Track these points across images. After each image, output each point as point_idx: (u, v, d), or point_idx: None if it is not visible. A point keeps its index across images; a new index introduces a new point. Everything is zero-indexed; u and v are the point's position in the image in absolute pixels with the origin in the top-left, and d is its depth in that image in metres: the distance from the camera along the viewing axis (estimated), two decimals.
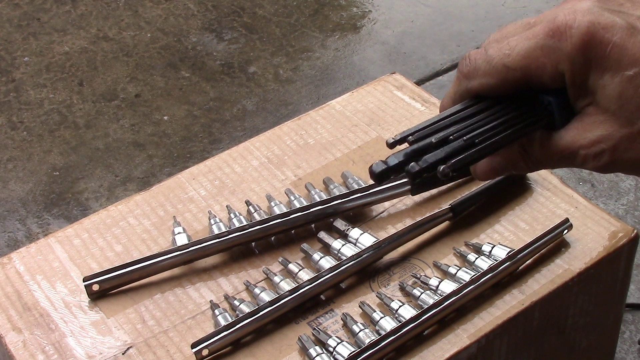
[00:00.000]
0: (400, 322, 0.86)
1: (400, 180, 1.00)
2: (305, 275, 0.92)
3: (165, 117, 2.12)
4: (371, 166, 0.46)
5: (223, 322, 0.87)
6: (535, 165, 0.55)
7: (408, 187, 1.01)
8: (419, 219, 0.97)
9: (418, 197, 1.03)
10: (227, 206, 1.02)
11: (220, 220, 0.99)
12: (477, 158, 0.49)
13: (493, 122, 0.51)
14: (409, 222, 0.98)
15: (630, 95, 0.49)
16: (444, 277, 0.92)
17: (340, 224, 0.98)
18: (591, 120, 0.51)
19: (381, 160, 0.46)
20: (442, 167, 0.45)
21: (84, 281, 0.92)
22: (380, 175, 0.46)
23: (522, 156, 0.54)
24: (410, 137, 0.47)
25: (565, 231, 0.96)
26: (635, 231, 0.97)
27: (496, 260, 0.92)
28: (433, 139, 0.47)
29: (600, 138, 0.50)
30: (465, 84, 0.53)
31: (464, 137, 0.48)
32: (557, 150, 0.52)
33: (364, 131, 1.13)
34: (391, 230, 0.98)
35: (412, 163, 0.45)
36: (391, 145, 0.48)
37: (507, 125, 0.51)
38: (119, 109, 2.15)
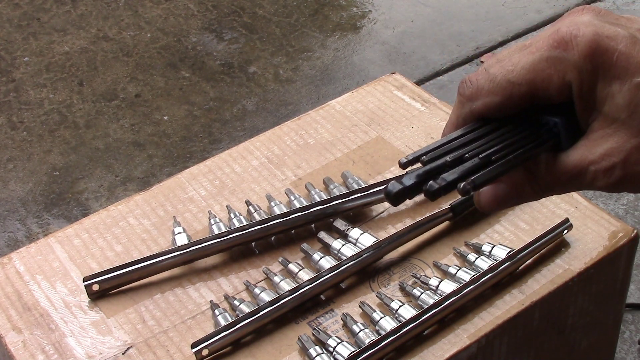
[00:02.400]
0: (400, 322, 0.86)
1: None
2: (305, 275, 0.92)
3: (165, 117, 2.12)
4: (386, 187, 0.45)
5: (223, 322, 0.87)
6: (542, 189, 0.52)
7: None
8: (419, 219, 0.97)
9: (418, 197, 1.03)
10: (227, 206, 1.02)
11: (220, 220, 0.99)
12: (497, 175, 0.48)
13: (503, 142, 0.50)
14: (409, 222, 0.98)
15: (636, 107, 0.48)
16: (444, 277, 0.92)
17: (340, 224, 0.98)
18: (599, 134, 0.49)
19: (396, 181, 0.45)
20: (462, 184, 0.45)
21: (84, 281, 0.92)
22: (397, 196, 0.45)
23: (529, 181, 0.52)
24: (423, 157, 0.46)
25: (565, 231, 0.96)
26: (635, 231, 0.97)
27: (496, 260, 0.92)
28: (448, 157, 0.47)
29: (610, 151, 0.49)
30: (469, 106, 0.52)
31: (480, 155, 0.47)
32: (566, 170, 0.50)
33: (364, 131, 1.13)
34: (391, 230, 0.98)
35: (431, 182, 0.45)
36: (404, 165, 0.47)
37: (518, 145, 0.50)
38: (119, 109, 2.15)
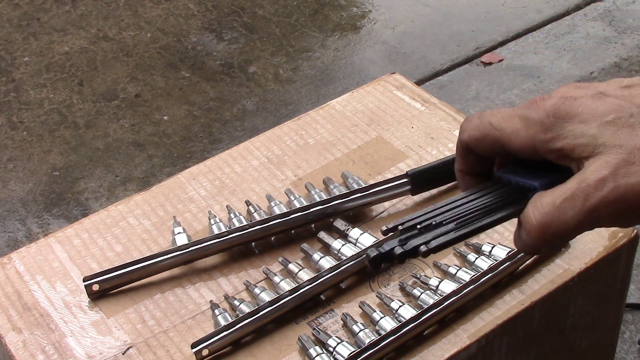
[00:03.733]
0: (400, 322, 0.86)
1: (400, 180, 1.00)
2: (305, 275, 0.92)
3: (165, 117, 2.12)
4: (366, 252, 0.53)
5: (223, 322, 0.87)
6: (534, 231, 0.53)
7: (408, 187, 1.01)
8: None
9: (418, 197, 1.03)
10: (227, 206, 1.02)
11: (220, 220, 0.99)
12: (455, 240, 0.54)
13: (478, 208, 0.56)
14: None
15: (612, 133, 0.51)
16: (444, 277, 0.92)
17: (340, 224, 0.98)
18: (587, 163, 0.52)
19: (375, 247, 0.53)
20: (422, 248, 0.52)
21: (84, 281, 0.92)
22: (374, 260, 0.52)
23: (519, 229, 0.55)
24: (400, 226, 0.54)
25: None
26: (635, 231, 0.97)
27: (496, 260, 0.92)
28: (418, 225, 0.54)
29: (598, 167, 0.50)
30: (459, 136, 0.59)
31: (443, 222, 0.54)
32: (556, 195, 0.52)
33: (364, 131, 1.13)
34: None
35: (397, 247, 0.52)
36: (384, 233, 0.54)
37: (491, 210, 0.56)
38: (119, 109, 2.15)
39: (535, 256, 0.94)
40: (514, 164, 0.58)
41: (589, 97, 0.53)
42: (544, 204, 0.52)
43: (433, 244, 0.52)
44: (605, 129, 0.51)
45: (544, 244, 0.53)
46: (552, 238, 0.52)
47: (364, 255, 0.52)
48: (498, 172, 0.59)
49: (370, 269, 0.54)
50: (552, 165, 0.55)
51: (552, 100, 0.54)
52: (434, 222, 0.54)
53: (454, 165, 0.61)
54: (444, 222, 0.54)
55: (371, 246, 0.54)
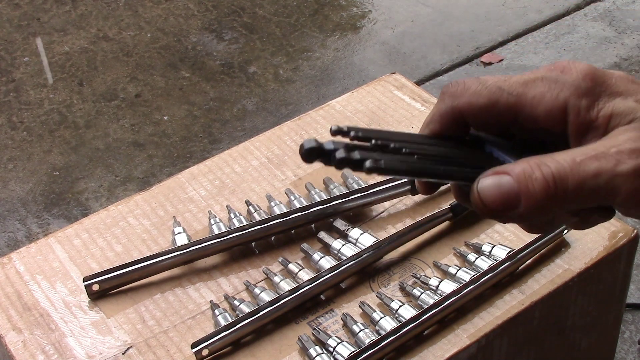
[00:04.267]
0: (400, 322, 0.86)
1: (400, 180, 1.00)
2: (305, 275, 0.92)
3: (165, 117, 2.12)
4: (303, 141, 0.45)
5: (223, 322, 0.87)
6: (556, 179, 0.45)
7: (408, 187, 1.01)
8: (419, 219, 0.97)
9: (418, 197, 1.03)
10: (227, 206, 1.02)
11: (220, 220, 0.99)
12: (410, 170, 0.46)
13: (445, 154, 0.49)
14: (409, 222, 0.98)
15: None
16: (444, 277, 0.92)
17: (340, 224, 0.98)
18: (617, 131, 0.46)
19: (315, 139, 0.45)
20: (368, 162, 0.44)
21: (84, 281, 0.92)
22: (309, 152, 0.44)
23: (539, 166, 0.45)
24: (352, 132, 0.46)
25: (565, 231, 0.96)
26: (635, 231, 0.97)
27: (496, 260, 0.92)
28: (373, 140, 0.45)
29: (633, 137, 0.45)
30: (451, 102, 0.50)
31: (404, 149, 0.46)
32: (586, 151, 0.45)
33: None
34: (391, 230, 0.98)
35: (341, 149, 0.44)
36: (333, 133, 0.46)
37: (457, 162, 0.48)
38: (119, 109, 2.15)
39: (535, 256, 0.94)
40: (494, 137, 0.51)
41: (620, 73, 0.48)
42: (559, 158, 0.45)
43: (382, 163, 0.44)
44: None
45: (544, 204, 0.45)
46: (558, 197, 0.44)
47: (301, 144, 0.44)
48: (477, 133, 0.51)
49: (303, 160, 0.44)
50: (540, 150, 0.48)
51: (585, 65, 0.48)
52: (392, 145, 0.46)
53: (420, 131, 0.52)
54: (403, 151, 0.46)
55: (313, 139, 0.45)
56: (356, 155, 0.44)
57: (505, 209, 0.45)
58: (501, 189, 0.45)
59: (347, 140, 0.45)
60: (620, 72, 0.49)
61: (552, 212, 0.46)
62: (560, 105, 0.48)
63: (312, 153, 0.44)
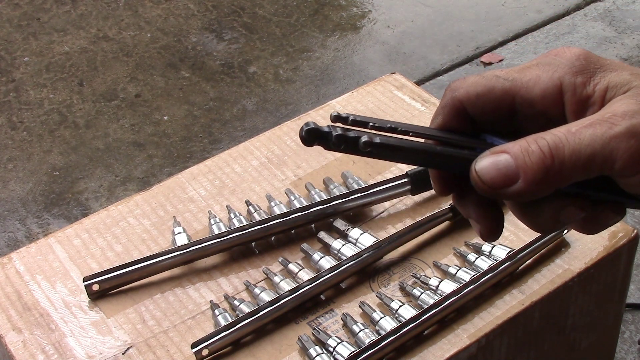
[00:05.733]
0: (400, 322, 0.86)
1: (400, 180, 1.00)
2: (305, 275, 0.92)
3: (165, 117, 2.12)
4: (302, 125, 0.46)
5: (223, 322, 0.87)
6: (553, 153, 0.45)
7: (408, 187, 1.01)
8: (419, 219, 0.97)
9: (418, 197, 1.03)
10: (227, 206, 1.02)
11: (220, 220, 0.99)
12: (405, 147, 0.47)
13: (440, 137, 0.50)
14: (409, 222, 0.98)
15: None
16: (444, 277, 0.92)
17: (340, 224, 0.98)
18: (614, 100, 0.46)
19: (314, 122, 0.47)
20: (364, 138, 0.46)
21: (84, 281, 0.92)
22: (308, 133, 0.46)
23: (536, 140, 0.45)
24: (352, 117, 0.47)
25: (565, 231, 0.96)
26: (635, 231, 0.97)
27: (496, 260, 0.92)
28: (371, 123, 0.47)
29: (626, 102, 0.45)
30: (451, 94, 0.51)
31: (398, 129, 0.48)
32: (585, 121, 0.45)
33: None
34: (391, 230, 0.98)
35: (338, 128, 0.46)
36: (333, 119, 0.48)
37: (454, 145, 0.49)
38: (119, 109, 2.15)
39: (535, 256, 0.94)
40: (496, 134, 0.51)
41: (611, 59, 0.49)
42: (555, 131, 0.45)
43: (377, 139, 0.46)
44: (637, 77, 0.47)
45: (542, 176, 0.44)
46: (556, 168, 0.44)
47: (301, 127, 0.47)
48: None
49: (303, 142, 0.47)
50: None
51: (578, 48, 0.49)
52: (388, 126, 0.47)
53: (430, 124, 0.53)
54: (399, 129, 0.48)
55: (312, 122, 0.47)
56: (352, 133, 0.46)
57: (504, 185, 0.45)
58: (499, 166, 0.45)
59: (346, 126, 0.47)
60: (615, 59, 0.49)
61: (552, 185, 0.45)
62: (555, 84, 0.48)
63: (311, 135, 0.46)
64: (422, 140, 0.49)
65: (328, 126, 0.46)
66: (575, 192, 0.47)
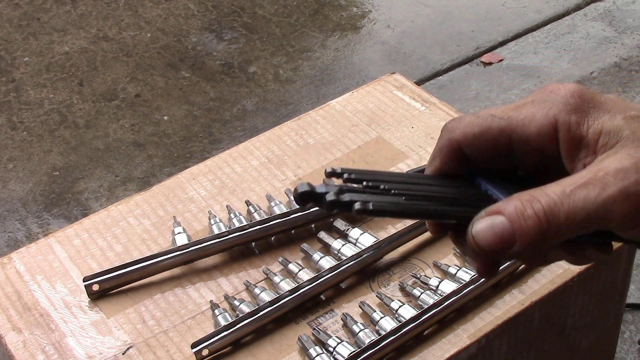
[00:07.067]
0: (400, 322, 0.86)
1: None
2: (305, 275, 0.92)
3: (165, 117, 2.12)
4: (297, 186, 0.47)
5: (223, 322, 0.87)
6: (547, 213, 0.45)
7: None
8: None
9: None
10: (227, 206, 1.02)
11: (220, 220, 0.99)
12: (396, 212, 0.48)
13: (434, 193, 0.49)
14: (409, 222, 0.98)
15: (637, 127, 0.46)
16: (444, 277, 0.92)
17: (340, 224, 0.98)
18: (603, 156, 0.46)
19: (308, 183, 0.47)
20: (357, 205, 0.45)
21: (84, 281, 0.92)
22: (302, 196, 0.46)
23: (530, 203, 0.46)
24: (346, 174, 0.47)
25: None
26: None
27: None
28: (365, 182, 0.47)
29: (620, 158, 0.45)
30: (447, 135, 0.51)
31: (393, 190, 0.47)
32: (574, 180, 0.45)
33: (364, 131, 1.13)
34: (391, 230, 0.98)
35: (330, 193, 0.46)
36: (327, 175, 0.48)
37: (447, 201, 0.49)
38: (119, 109, 2.15)
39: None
40: (492, 173, 0.52)
41: (606, 94, 0.49)
42: (549, 192, 0.45)
43: (370, 205, 0.45)
44: (630, 122, 0.47)
45: (539, 240, 0.45)
46: (552, 232, 0.45)
47: (295, 188, 0.46)
48: (474, 169, 0.52)
49: (296, 202, 0.47)
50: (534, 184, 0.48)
51: (573, 84, 0.49)
52: (382, 187, 0.47)
53: (426, 169, 0.53)
54: (392, 192, 0.47)
55: (306, 183, 0.47)
56: (345, 197, 0.46)
57: (501, 250, 0.46)
58: (495, 230, 0.46)
59: (340, 181, 0.47)
60: (611, 94, 0.49)
61: (548, 245, 0.46)
62: (550, 122, 0.48)
63: (305, 197, 0.46)
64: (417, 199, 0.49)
65: (322, 185, 0.46)
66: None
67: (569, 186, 0.45)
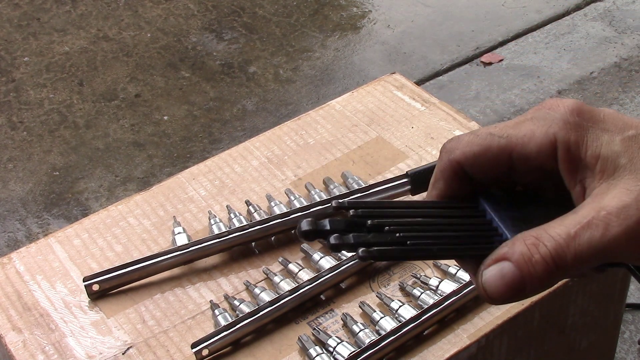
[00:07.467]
0: (400, 322, 0.86)
1: (400, 180, 1.00)
2: (305, 275, 0.92)
3: (165, 117, 2.12)
4: (300, 222, 0.47)
5: (223, 322, 0.87)
6: (553, 257, 0.46)
7: (408, 187, 1.01)
8: None
9: (418, 197, 1.03)
10: (227, 206, 1.02)
11: (220, 220, 0.99)
12: (402, 257, 0.48)
13: (440, 229, 0.50)
14: None
15: (634, 153, 0.47)
16: (444, 277, 0.92)
17: None
18: (603, 187, 0.46)
19: (311, 220, 0.47)
20: (361, 252, 0.46)
21: (84, 281, 0.92)
22: (306, 234, 0.46)
23: (535, 247, 0.46)
24: (352, 210, 0.48)
25: None
26: None
27: None
28: (369, 221, 0.47)
29: (620, 193, 0.45)
30: (447, 156, 0.51)
31: (398, 234, 0.47)
32: (575, 221, 0.46)
33: (364, 131, 1.13)
34: None
35: (335, 235, 0.46)
36: (335, 208, 0.48)
37: (452, 238, 0.49)
38: (119, 109, 2.15)
39: None
40: (493, 192, 0.52)
41: (606, 109, 0.49)
42: (555, 235, 0.46)
43: (375, 253, 0.46)
44: (628, 146, 0.47)
45: (548, 281, 0.46)
46: (560, 272, 0.45)
47: (299, 224, 0.47)
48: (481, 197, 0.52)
49: (301, 238, 0.48)
50: (543, 205, 0.49)
51: (572, 100, 0.49)
52: (386, 229, 0.47)
53: (427, 193, 0.53)
54: (397, 233, 0.47)
55: (308, 218, 0.48)
56: (349, 239, 0.46)
57: (512, 296, 0.46)
58: (505, 280, 0.46)
59: (347, 215, 0.48)
60: (610, 110, 0.49)
61: (556, 282, 0.47)
62: (550, 140, 0.48)
63: (310, 234, 0.47)
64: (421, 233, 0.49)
65: (327, 221, 0.47)
66: None
67: (572, 227, 0.45)
